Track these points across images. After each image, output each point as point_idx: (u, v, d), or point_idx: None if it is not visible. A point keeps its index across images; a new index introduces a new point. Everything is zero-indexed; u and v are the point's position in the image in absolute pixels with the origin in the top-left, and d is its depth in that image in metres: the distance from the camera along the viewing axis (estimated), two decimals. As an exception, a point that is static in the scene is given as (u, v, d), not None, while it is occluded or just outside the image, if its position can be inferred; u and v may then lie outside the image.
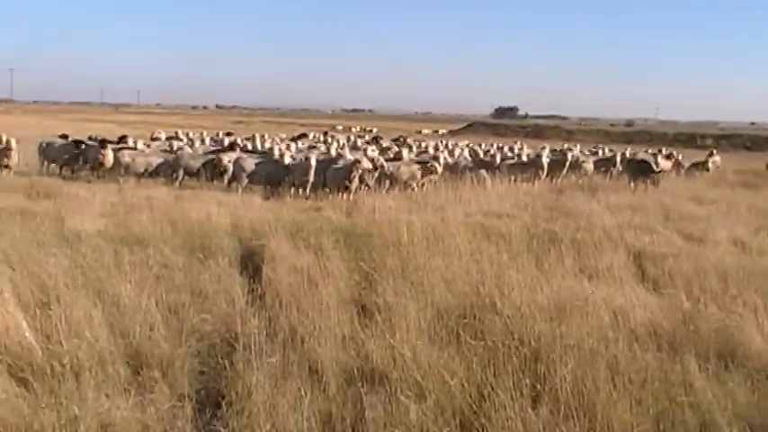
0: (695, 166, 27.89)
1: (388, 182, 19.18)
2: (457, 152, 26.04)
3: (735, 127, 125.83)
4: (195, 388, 6.04)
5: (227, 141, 26.75)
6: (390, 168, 19.67)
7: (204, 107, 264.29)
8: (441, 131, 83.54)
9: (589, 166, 25.23)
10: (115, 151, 20.79)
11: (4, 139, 21.25)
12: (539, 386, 5.78)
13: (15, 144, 20.59)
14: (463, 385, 5.72)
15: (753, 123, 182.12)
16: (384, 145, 30.42)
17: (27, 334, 6.41)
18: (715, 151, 32.57)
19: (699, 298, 8.46)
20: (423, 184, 19.57)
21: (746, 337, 7.00)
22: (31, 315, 6.83)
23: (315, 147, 27.39)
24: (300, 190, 18.81)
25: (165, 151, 22.43)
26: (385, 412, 5.37)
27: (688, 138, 73.32)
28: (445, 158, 22.13)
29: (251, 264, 9.89)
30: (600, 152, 30.73)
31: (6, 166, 20.36)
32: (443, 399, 5.55)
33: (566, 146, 35.24)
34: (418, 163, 20.58)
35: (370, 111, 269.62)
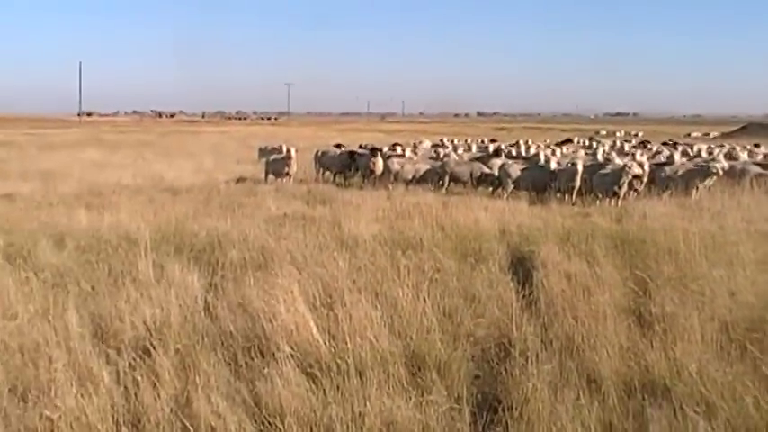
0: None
1: (665, 186, 18.31)
2: (743, 156, 24.39)
3: None
4: (471, 392, 6.09)
5: (491, 148, 26.93)
6: (667, 172, 18.81)
7: (466, 115, 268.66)
8: (712, 134, 78.90)
9: None
10: (385, 159, 21.61)
11: (284, 148, 22.82)
12: None
13: (295, 153, 22.01)
14: (758, 404, 5.33)
15: None
16: (654, 149, 29.24)
17: (315, 332, 6.79)
18: None
19: None
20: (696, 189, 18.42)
21: None
22: (318, 314, 7.24)
23: (582, 152, 26.89)
24: (566, 196, 18.51)
25: (432, 158, 23.01)
26: (670, 427, 5.12)
27: None
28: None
29: (521, 269, 9.86)
30: None
31: (287, 174, 21.81)
32: (736, 418, 5.20)
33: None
34: (696, 167, 19.36)
35: (634, 114, 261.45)
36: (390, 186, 19.91)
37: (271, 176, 22.28)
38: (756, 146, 31.35)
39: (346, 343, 6.52)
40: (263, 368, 6.16)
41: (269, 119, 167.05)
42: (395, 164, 21.09)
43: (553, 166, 19.19)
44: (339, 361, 6.21)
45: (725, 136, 76.10)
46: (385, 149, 24.71)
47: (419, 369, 6.34)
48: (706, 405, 5.41)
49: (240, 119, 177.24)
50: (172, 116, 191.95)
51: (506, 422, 5.38)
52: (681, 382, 5.79)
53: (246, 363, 6.41)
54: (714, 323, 7.09)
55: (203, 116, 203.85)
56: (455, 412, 5.55)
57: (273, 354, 6.45)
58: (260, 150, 30.23)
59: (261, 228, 12.28)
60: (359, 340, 6.55)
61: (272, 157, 23.39)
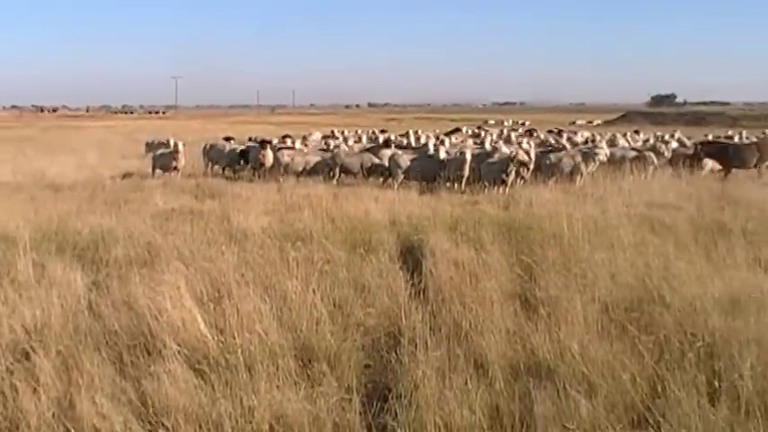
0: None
1: (550, 173, 18.79)
2: (621, 142, 25.19)
3: None
4: (362, 381, 6.12)
5: (381, 138, 27.05)
6: (552, 159, 19.28)
7: (357, 106, 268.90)
8: (595, 122, 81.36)
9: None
10: (275, 151, 21.45)
11: (172, 143, 22.36)
12: (716, 383, 5.52)
13: (183, 147, 21.62)
14: (635, 380, 5.55)
15: None
16: (541, 137, 29.93)
17: (202, 327, 6.70)
18: None
19: None
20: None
21: None
22: (205, 309, 7.14)
23: (469, 141, 27.29)
24: (456, 184, 18.77)
25: (322, 150, 22.96)
26: (554, 407, 5.26)
27: None
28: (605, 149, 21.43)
29: (411, 258, 9.96)
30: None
31: (175, 168, 21.41)
32: (615, 394, 5.40)
33: (729, 132, 33.64)
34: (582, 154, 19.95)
35: (521, 103, 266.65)
36: (281, 179, 19.79)
37: (158, 171, 21.82)
38: (636, 132, 32.48)
39: (235, 337, 6.47)
40: (150, 366, 6.05)
41: (156, 113, 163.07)
42: (285, 156, 20.95)
43: (442, 155, 19.40)
44: (228, 356, 6.16)
45: (607, 123, 78.66)
46: (275, 141, 24.53)
47: (309, 361, 6.34)
48: (588, 384, 5.59)
49: (126, 113, 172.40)
50: (54, 111, 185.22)
51: (396, 410, 5.42)
52: (564, 364, 5.95)
53: (132, 361, 6.27)
54: (596, 305, 7.33)
55: (87, 110, 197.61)
56: (345, 402, 5.56)
57: (160, 351, 6.34)
58: (147, 145, 29.48)
59: (147, 223, 12.03)
60: (248, 334, 6.51)
61: (160, 152, 22.87)
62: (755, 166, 20.17)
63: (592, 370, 5.73)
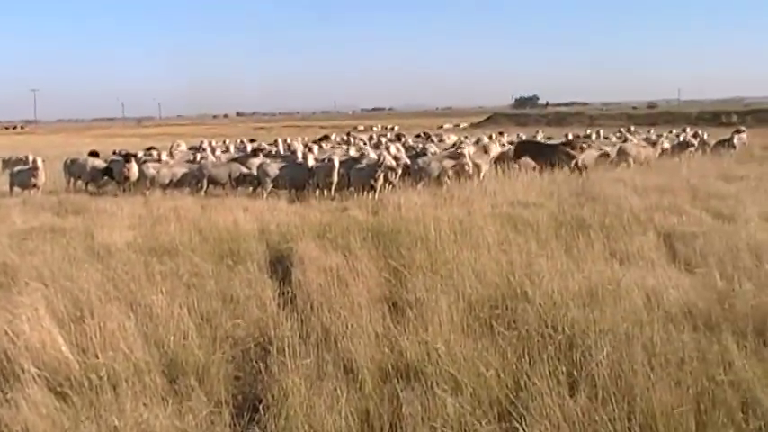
0: (721, 143, 27.26)
1: (418, 177, 19.02)
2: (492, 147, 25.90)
3: (760, 102, 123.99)
4: (232, 393, 6.08)
5: (250, 148, 26.85)
6: (420, 164, 19.54)
7: (225, 116, 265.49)
8: (462, 125, 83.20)
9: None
10: (140, 164, 20.97)
11: (30, 159, 21.50)
12: (575, 373, 5.75)
13: (42, 163, 20.81)
14: (499, 376, 5.71)
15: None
16: (409, 142, 30.36)
17: (63, 348, 6.47)
18: (740, 133, 32.10)
19: (732, 276, 8.35)
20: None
21: (784, 312, 6.91)
22: (66, 330, 6.89)
23: (338, 148, 27.42)
24: (325, 191, 18.82)
25: (189, 161, 22.60)
26: (422, 407, 5.34)
27: (712, 116, 72.50)
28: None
29: (280, 267, 9.93)
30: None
31: (35, 186, 20.58)
32: (480, 390, 5.54)
33: (588, 131, 35.04)
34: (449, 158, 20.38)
35: (390, 109, 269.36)
36: (147, 192, 19.35)
37: (16, 189, 20.91)
38: (500, 134, 33.43)
39: (98, 356, 6.29)
40: (6, 393, 5.80)
41: (14, 128, 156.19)
42: (150, 169, 20.49)
43: (311, 163, 19.42)
44: (91, 376, 5.97)
45: (473, 126, 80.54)
46: (140, 154, 23.98)
47: (177, 376, 6.23)
48: (454, 382, 5.69)
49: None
50: None
51: (265, 420, 5.40)
52: (431, 364, 6.05)
53: (-13, 389, 6.00)
54: (461, 304, 7.49)
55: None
56: (215, 416, 5.50)
57: (18, 376, 6.08)
58: (3, 162, 28.20)
59: (4, 243, 11.52)
60: (111, 352, 6.34)
61: (17, 169, 21.91)
62: (570, 165, 21.26)
63: (458, 368, 5.85)
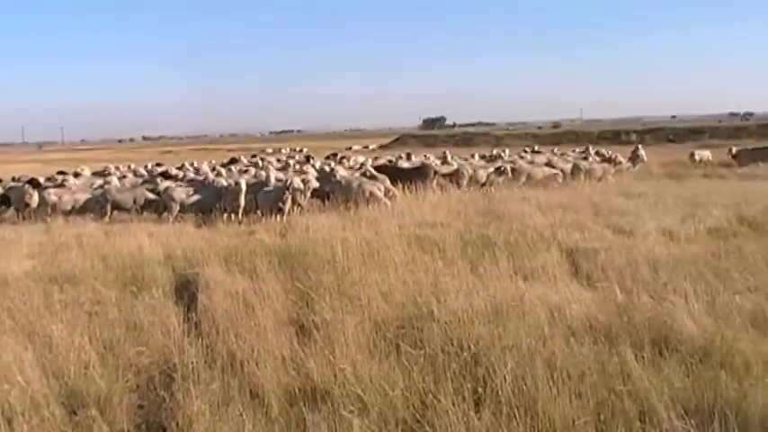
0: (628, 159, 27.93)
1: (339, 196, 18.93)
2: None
3: (657, 121, 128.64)
4: (135, 422, 5.97)
5: (156, 172, 26.43)
6: (344, 184, 19.42)
7: (131, 140, 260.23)
8: (371, 146, 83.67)
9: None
10: (41, 191, 20.38)
11: None
12: (480, 389, 5.82)
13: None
14: (405, 395, 5.75)
15: (674, 116, 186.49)
16: (318, 165, 30.38)
17: (-45, 383, 6.24)
18: (640, 146, 33.22)
19: (632, 289, 8.66)
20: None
21: (678, 323, 7.15)
22: (-41, 365, 6.65)
23: (246, 171, 27.23)
24: (233, 215, 18.63)
25: (94, 187, 22.08)
26: (329, 430, 5.34)
27: (613, 135, 74.98)
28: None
29: (186, 293, 9.80)
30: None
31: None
32: (386, 411, 5.56)
33: (494, 151, 35.65)
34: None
35: (299, 131, 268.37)
36: (48, 219, 18.80)
37: None
38: (408, 156, 33.72)
39: (-9, 391, 6.07)
40: None
41: None
42: (52, 195, 19.92)
43: (218, 186, 19.22)
44: (-16, 411, 5.77)
45: (382, 147, 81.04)
46: (42, 180, 23.32)
47: (78, 408, 6.07)
48: (361, 403, 5.71)
49: None
50: None
51: (169, 448, 5.31)
52: (338, 386, 6.05)
53: None
54: (368, 324, 7.52)
55: None
56: (117, 446, 5.38)
57: None
58: None
59: None
60: (7, 386, 6.15)
61: None
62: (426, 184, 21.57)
63: (364, 389, 5.86)
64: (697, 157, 32.75)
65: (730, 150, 33.07)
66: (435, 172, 22.55)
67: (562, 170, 24.69)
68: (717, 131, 70.77)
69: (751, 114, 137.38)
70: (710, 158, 33.20)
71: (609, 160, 26.73)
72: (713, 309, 7.81)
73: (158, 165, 34.96)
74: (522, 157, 29.13)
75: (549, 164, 26.08)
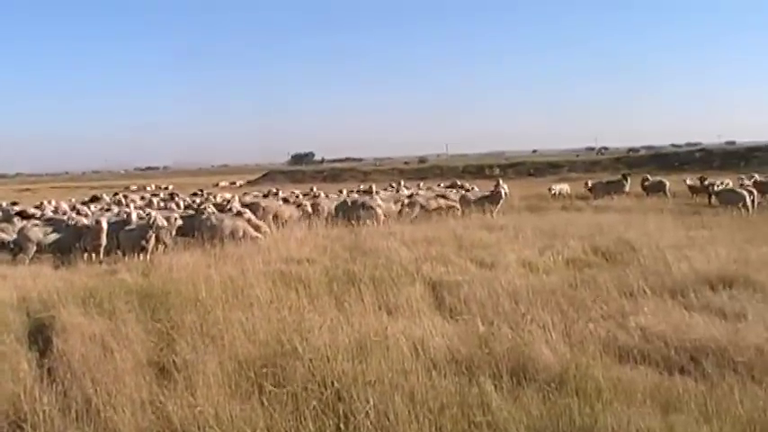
0: (485, 197, 28.56)
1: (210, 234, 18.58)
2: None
3: (519, 156, 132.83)
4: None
5: (12, 211, 25.37)
6: (213, 221, 19.11)
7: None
8: (238, 183, 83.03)
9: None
10: None
11: None
12: (342, 426, 5.82)
13: None
14: (268, 436, 5.67)
15: (535, 151, 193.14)
16: (187, 200, 29.96)
17: None
18: (501, 180, 34.26)
19: (493, 321, 8.88)
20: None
21: (536, 352, 7.37)
22: None
23: (108, 209, 26.53)
24: (94, 255, 18.04)
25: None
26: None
27: (477, 169, 77.03)
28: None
29: (41, 337, 9.41)
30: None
31: None
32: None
33: (361, 186, 36.03)
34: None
35: (165, 167, 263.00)
36: None
37: None
38: (276, 192, 33.65)
39: None
40: None
41: None
42: None
43: (79, 225, 18.61)
44: None
45: (250, 183, 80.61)
46: None
47: None
48: (221, 447, 5.60)
49: None
50: None
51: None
52: (198, 428, 5.94)
53: None
54: (231, 364, 7.40)
55: None
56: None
57: None
58: None
59: None
60: None
61: None
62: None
63: (225, 430, 5.77)
64: (554, 191, 34.02)
65: (586, 184, 34.59)
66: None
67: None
68: (575, 165, 73.71)
69: (606, 149, 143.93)
70: (569, 191, 34.57)
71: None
72: (569, 337, 8.10)
73: (14, 203, 33.62)
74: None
75: (443, 196, 27.06)
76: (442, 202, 25.49)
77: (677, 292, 10.25)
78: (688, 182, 32.07)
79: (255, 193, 35.51)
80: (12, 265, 17.09)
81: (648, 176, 34.62)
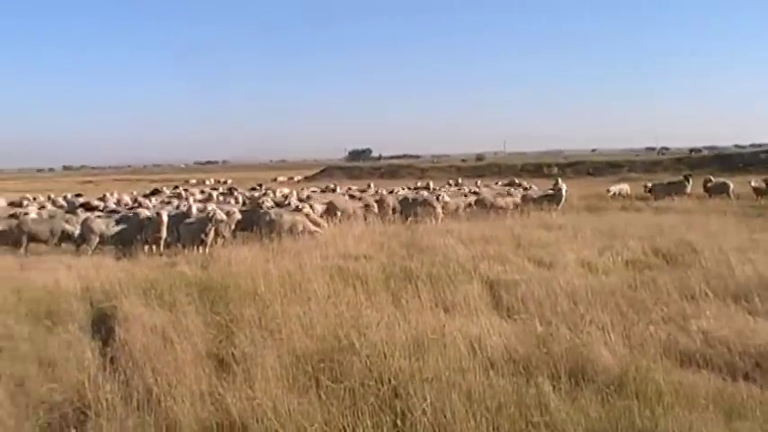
0: (545, 196, 28.29)
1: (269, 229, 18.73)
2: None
3: (577, 155, 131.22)
4: (45, 462, 5.78)
5: (76, 202, 25.89)
6: (272, 216, 19.28)
7: (50, 169, 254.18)
8: (296, 178, 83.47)
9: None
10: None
11: None
12: (399, 423, 5.82)
13: None
14: (324, 430, 5.69)
15: (594, 150, 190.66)
16: (246, 195, 30.25)
17: None
18: (560, 180, 33.92)
19: (551, 321, 8.79)
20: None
21: (595, 353, 7.28)
22: None
23: (168, 203, 26.90)
24: (154, 247, 18.33)
25: (11, 216, 21.47)
26: (246, 465, 5.27)
27: (535, 167, 76.15)
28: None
29: (103, 327, 9.58)
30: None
31: None
32: (303, 445, 5.51)
33: (418, 183, 35.99)
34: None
35: (224, 162, 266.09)
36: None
37: None
38: (334, 187, 33.77)
39: None
40: None
41: None
42: (-37, 227, 19.31)
43: (140, 217, 18.92)
44: None
45: (308, 179, 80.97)
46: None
47: (-16, 449, 5.88)
48: (280, 439, 5.65)
49: None
50: None
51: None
52: (256, 420, 5.99)
53: None
54: (289, 358, 7.45)
55: None
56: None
57: None
58: None
59: None
60: None
61: None
62: None
63: (283, 424, 5.82)
64: (613, 192, 33.49)
65: (645, 186, 34.00)
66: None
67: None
68: (634, 165, 72.47)
69: (667, 149, 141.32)
70: (629, 192, 34.00)
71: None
72: (629, 339, 7.99)
73: (78, 195, 34.32)
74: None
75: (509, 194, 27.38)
76: (509, 200, 25.47)
77: (740, 296, 10.00)
78: (753, 183, 31.21)
79: (313, 188, 35.68)
80: (75, 255, 17.46)
81: (711, 177, 33.74)
